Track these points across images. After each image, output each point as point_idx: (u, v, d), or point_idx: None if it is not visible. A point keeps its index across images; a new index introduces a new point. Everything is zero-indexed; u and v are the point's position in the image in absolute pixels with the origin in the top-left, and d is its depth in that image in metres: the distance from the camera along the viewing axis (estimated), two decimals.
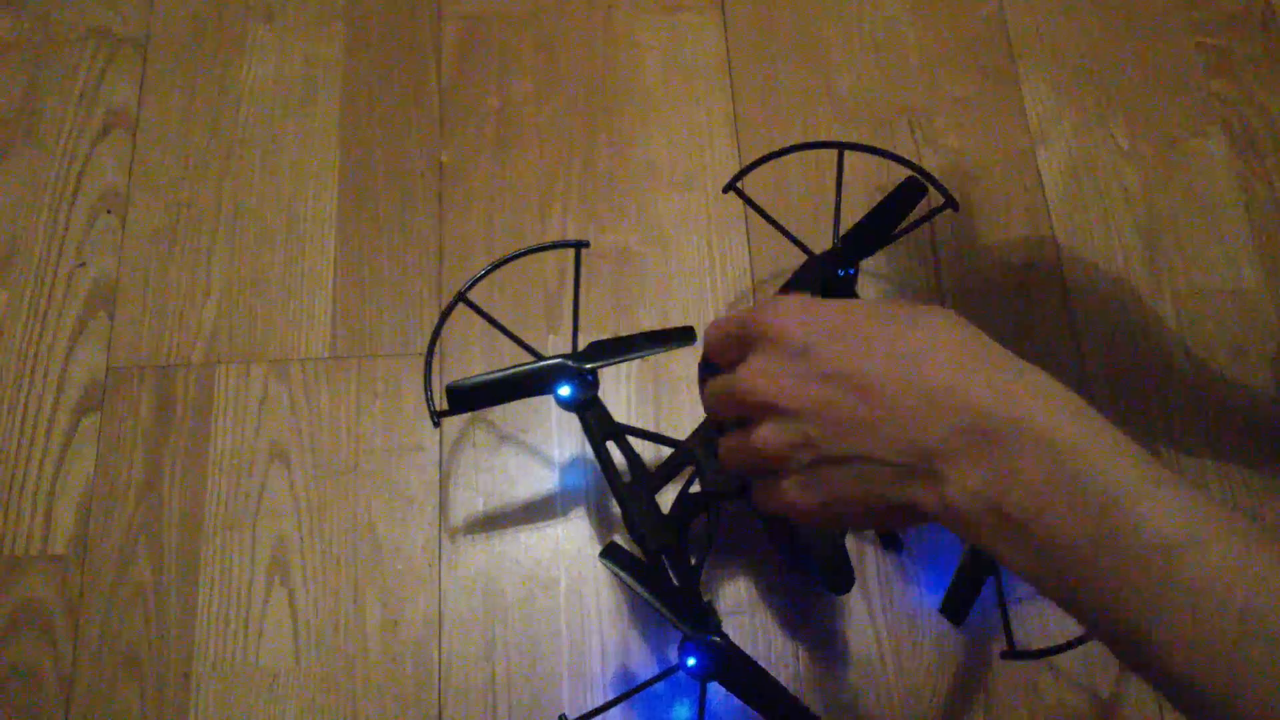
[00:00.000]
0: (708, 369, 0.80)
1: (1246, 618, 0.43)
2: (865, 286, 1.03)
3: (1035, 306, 1.06)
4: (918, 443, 0.52)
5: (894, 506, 0.54)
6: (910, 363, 0.53)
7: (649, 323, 1.04)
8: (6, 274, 1.07)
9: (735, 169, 1.08)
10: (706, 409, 0.66)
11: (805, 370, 0.56)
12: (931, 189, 0.95)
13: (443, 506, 0.98)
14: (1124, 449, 0.48)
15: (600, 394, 0.88)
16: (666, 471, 0.88)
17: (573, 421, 0.94)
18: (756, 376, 0.58)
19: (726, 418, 0.63)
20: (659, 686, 0.85)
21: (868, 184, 1.08)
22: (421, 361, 0.92)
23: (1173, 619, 0.44)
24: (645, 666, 0.93)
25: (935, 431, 0.52)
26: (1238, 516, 0.46)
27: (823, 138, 1.03)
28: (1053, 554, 0.48)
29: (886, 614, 0.95)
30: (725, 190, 0.96)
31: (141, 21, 1.18)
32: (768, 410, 0.57)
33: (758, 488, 0.61)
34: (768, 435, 0.57)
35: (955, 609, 0.88)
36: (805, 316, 0.58)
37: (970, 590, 0.86)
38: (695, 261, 1.07)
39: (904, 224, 0.95)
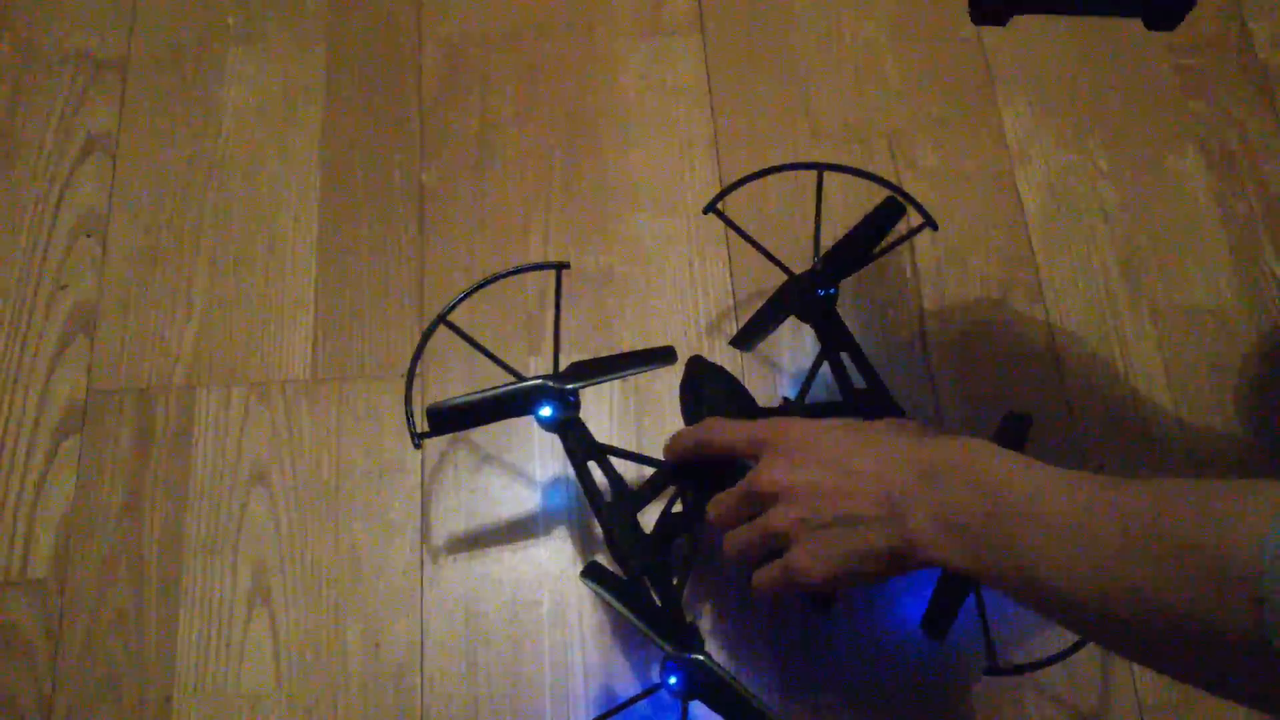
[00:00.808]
0: (689, 392, 0.84)
1: (1078, 532, 0.60)
2: (845, 307, 1.03)
3: (1015, 326, 1.07)
4: (887, 493, 0.70)
5: (880, 554, 0.70)
6: (879, 446, 0.73)
7: (631, 343, 1.04)
8: None
9: (716, 190, 1.09)
10: (716, 522, 0.81)
11: (804, 461, 0.75)
12: (911, 209, 0.95)
13: (424, 528, 0.98)
14: (1013, 457, 0.67)
15: (582, 414, 0.88)
16: (648, 491, 0.89)
17: (555, 442, 0.94)
18: (770, 471, 0.75)
19: (736, 522, 0.79)
20: (642, 706, 0.85)
21: (848, 205, 1.08)
22: (403, 383, 0.92)
23: (1039, 545, 0.62)
24: (628, 686, 0.92)
25: (897, 482, 0.70)
26: (1076, 473, 0.64)
27: (803, 158, 1.04)
28: (975, 538, 0.65)
29: (869, 631, 0.95)
30: (705, 211, 0.96)
31: (121, 44, 1.18)
32: (777, 495, 0.74)
33: (763, 571, 0.77)
34: (778, 514, 0.74)
35: (936, 625, 0.88)
36: (801, 428, 0.78)
37: (950, 606, 0.87)
38: (677, 282, 1.08)
39: (883, 244, 0.95)
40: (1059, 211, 1.11)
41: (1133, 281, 1.09)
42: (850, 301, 1.06)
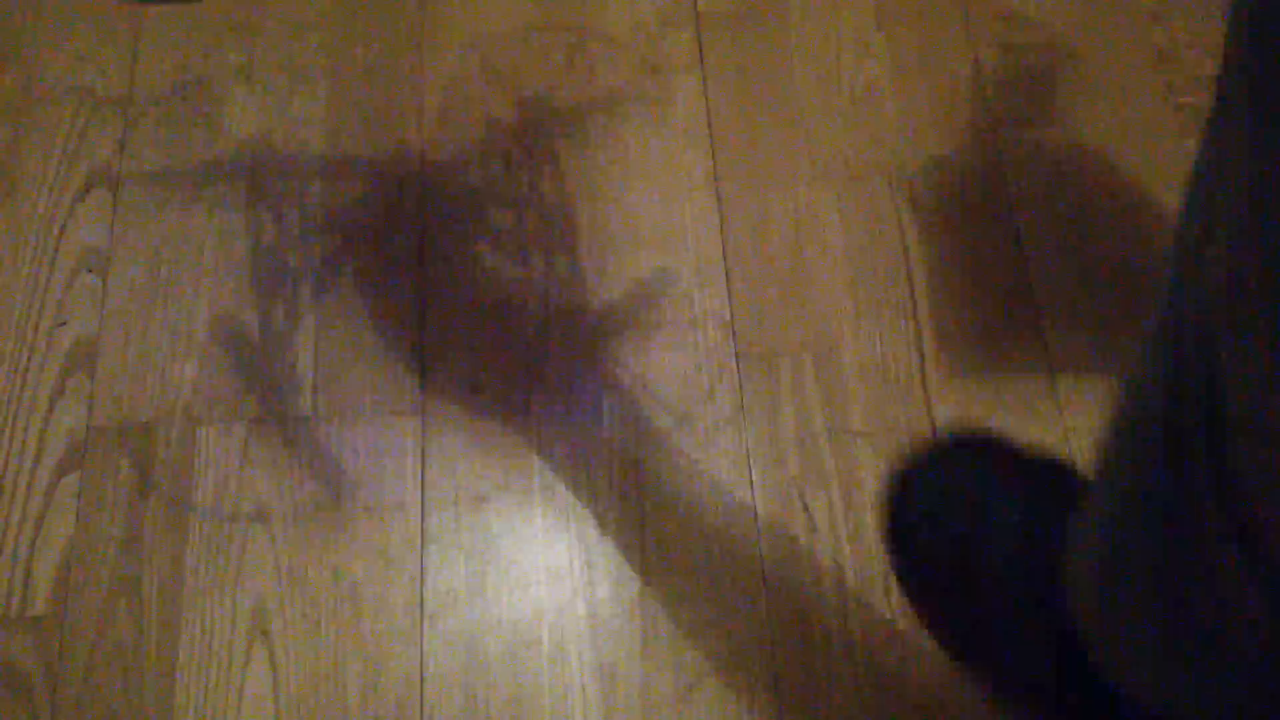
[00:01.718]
0: None
1: None
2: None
3: (1013, 361, 1.07)
4: None
5: None
6: None
7: (630, 385, 1.04)
8: None
9: (717, 227, 1.09)
10: None
11: None
12: None
13: (424, 564, 0.98)
14: None
15: None
16: None
17: (555, 480, 0.94)
18: None
19: None
20: None
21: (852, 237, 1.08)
22: (404, 422, 0.92)
23: None
24: None
25: None
26: None
27: (802, 196, 1.04)
28: None
29: None
30: None
31: (124, 81, 1.18)
32: None
33: None
34: None
35: None
36: None
37: None
38: (676, 321, 1.08)
39: None
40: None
41: (1133, 321, 1.09)
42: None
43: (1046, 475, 0.98)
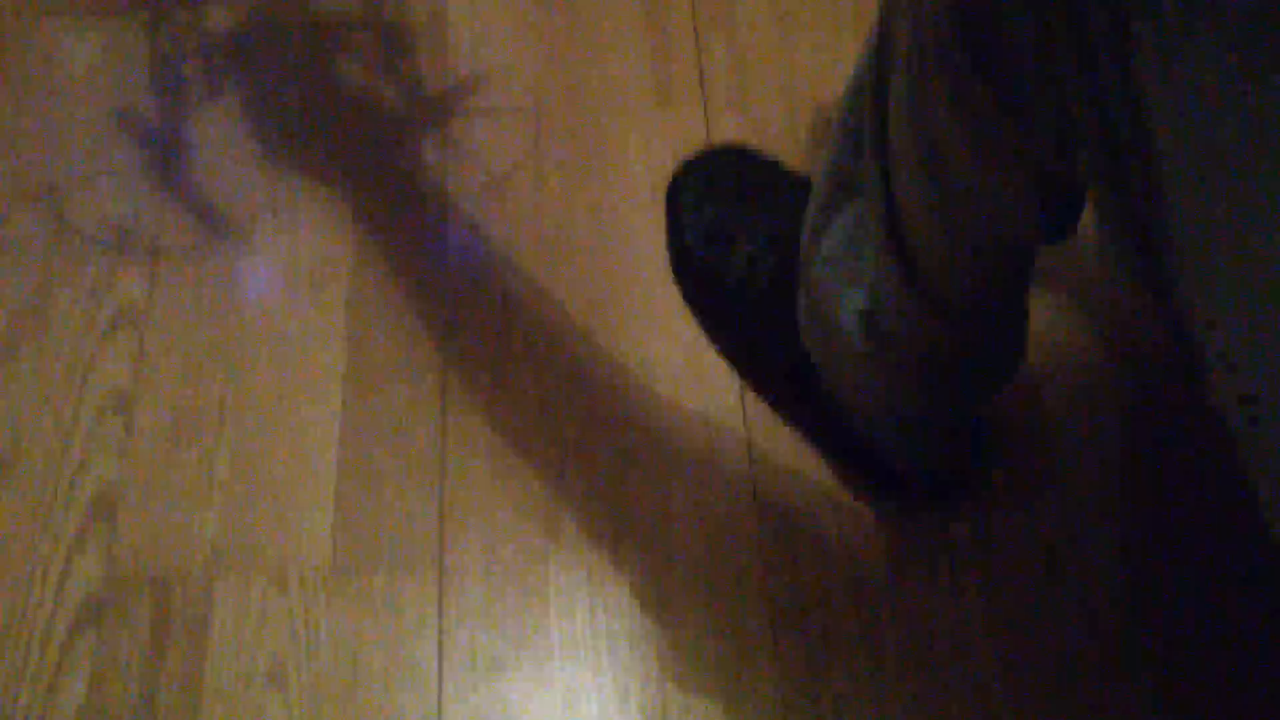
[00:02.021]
0: None
1: None
2: None
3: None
4: None
5: None
6: None
7: (651, 524, 1.03)
8: (8, 478, 1.06)
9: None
10: None
11: None
12: None
13: None
14: None
15: None
16: None
17: (576, 645, 0.93)
18: None
19: None
20: None
21: None
22: (422, 578, 0.91)
23: None
24: None
25: None
26: None
27: None
28: None
29: None
30: None
31: (154, 217, 1.18)
32: None
33: None
34: None
35: None
36: None
37: None
38: (693, 454, 1.06)
39: None
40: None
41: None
42: None
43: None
